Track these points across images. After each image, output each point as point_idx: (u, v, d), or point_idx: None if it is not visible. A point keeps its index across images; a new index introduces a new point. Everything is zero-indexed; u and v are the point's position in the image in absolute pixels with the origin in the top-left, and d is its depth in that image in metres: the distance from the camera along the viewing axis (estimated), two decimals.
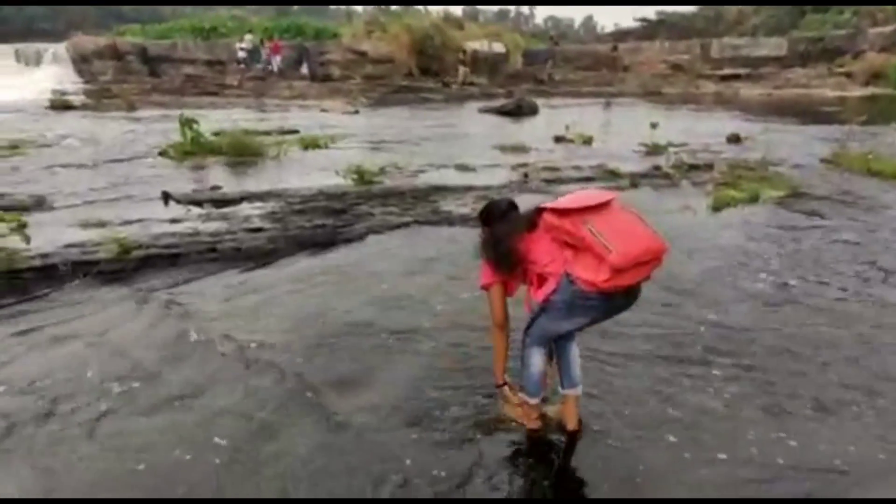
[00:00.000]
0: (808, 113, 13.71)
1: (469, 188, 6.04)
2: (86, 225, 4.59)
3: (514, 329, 2.20)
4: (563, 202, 1.99)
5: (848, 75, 19.25)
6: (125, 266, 3.86)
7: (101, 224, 4.60)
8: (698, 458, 2.11)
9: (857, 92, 17.60)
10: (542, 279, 2.04)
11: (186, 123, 7.87)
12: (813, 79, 19.72)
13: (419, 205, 5.49)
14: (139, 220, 4.72)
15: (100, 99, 14.94)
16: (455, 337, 2.92)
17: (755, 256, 4.18)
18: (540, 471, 2.08)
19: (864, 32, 20.96)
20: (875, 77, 18.59)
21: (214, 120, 10.42)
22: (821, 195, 5.86)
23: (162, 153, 7.70)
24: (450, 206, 5.44)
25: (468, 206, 5.31)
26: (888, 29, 20.70)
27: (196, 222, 4.79)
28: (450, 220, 4.98)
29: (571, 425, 2.22)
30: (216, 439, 2.18)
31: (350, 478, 2.00)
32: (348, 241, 4.58)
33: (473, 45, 23.65)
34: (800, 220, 5.10)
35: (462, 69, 21.28)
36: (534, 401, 2.21)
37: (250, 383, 2.55)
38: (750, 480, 2.01)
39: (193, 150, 7.72)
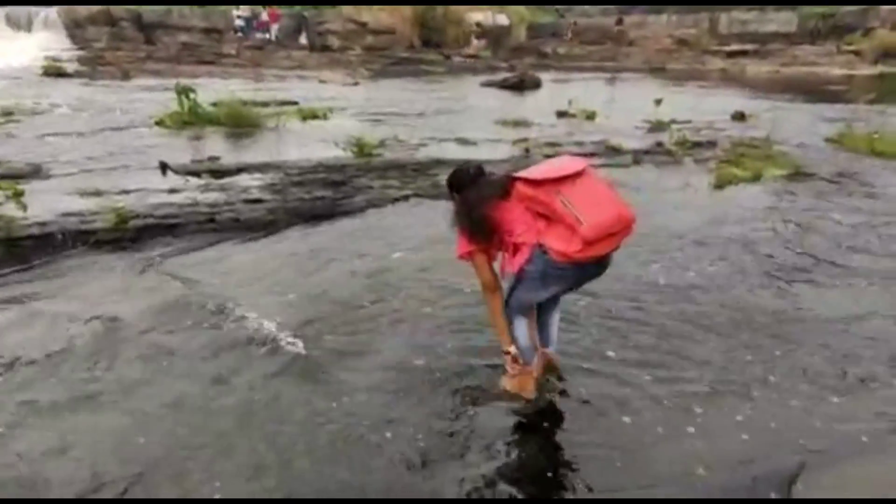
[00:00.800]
0: (814, 91, 13.51)
1: (470, 162, 5.96)
2: (83, 194, 4.55)
3: None
4: (536, 172, 2.01)
5: (857, 53, 18.89)
6: (123, 236, 3.85)
7: (98, 193, 4.56)
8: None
9: (865, 70, 17.30)
10: (516, 248, 2.06)
11: (183, 92, 7.74)
12: (821, 56, 19.36)
13: (419, 178, 5.45)
14: (137, 190, 4.68)
15: (94, 66, 14.65)
16: (455, 312, 2.92)
17: (751, 235, 4.17)
18: (534, 441, 2.10)
19: (877, 8, 20.48)
20: (886, 55, 18.23)
21: (212, 89, 10.23)
22: (823, 175, 5.81)
23: (158, 122, 7.59)
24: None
25: None
26: None
27: (194, 193, 4.75)
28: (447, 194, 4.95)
29: (536, 373, 2.30)
30: (214, 409, 2.20)
31: (347, 445, 2.02)
32: (348, 213, 4.56)
33: (477, 16, 23.16)
34: (799, 200, 5.07)
35: (476, 42, 21.01)
36: (530, 367, 2.25)
37: (249, 353, 2.57)
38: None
39: (191, 119, 7.62)
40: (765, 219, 4.52)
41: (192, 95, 7.77)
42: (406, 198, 4.91)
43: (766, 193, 5.26)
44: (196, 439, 2.04)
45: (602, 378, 2.43)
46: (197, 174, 5.31)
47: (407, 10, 21.74)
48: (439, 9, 22.10)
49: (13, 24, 19.99)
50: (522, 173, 2.02)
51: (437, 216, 4.40)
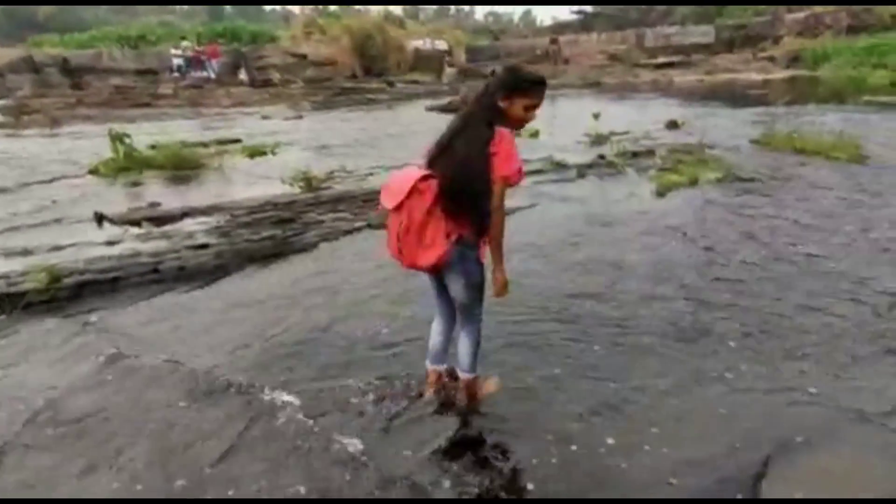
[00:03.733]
0: (737, 96, 14.45)
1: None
2: (9, 254, 4.26)
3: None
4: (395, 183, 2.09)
5: (771, 59, 20.43)
6: (57, 295, 3.60)
7: (27, 252, 4.27)
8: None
9: (779, 74, 18.69)
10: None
11: (117, 138, 7.44)
12: (739, 63, 20.81)
13: (371, 208, 5.41)
14: (71, 245, 4.41)
15: (18, 116, 13.94)
16: (413, 346, 2.88)
17: (694, 235, 4.36)
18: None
19: (782, 19, 22.32)
20: (794, 60, 19.82)
21: (149, 133, 9.91)
22: (753, 175, 6.17)
23: (92, 171, 7.25)
24: None
25: None
26: (801, 15, 22.13)
27: (135, 243, 4.52)
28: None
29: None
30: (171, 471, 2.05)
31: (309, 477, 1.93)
32: (300, 251, 4.45)
33: (416, 42, 23.62)
34: (734, 199, 5.36)
35: (448, 69, 21.53)
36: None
37: (201, 406, 2.42)
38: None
39: (127, 165, 7.32)
40: (705, 219, 4.75)
41: (126, 140, 7.48)
42: (359, 229, 4.86)
43: (703, 195, 5.53)
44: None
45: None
46: (137, 223, 5.07)
47: (346, 40, 21.92)
48: (378, 37, 22.41)
49: None
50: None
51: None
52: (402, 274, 3.68)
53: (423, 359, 2.49)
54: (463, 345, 2.29)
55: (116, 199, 5.99)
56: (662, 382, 2.52)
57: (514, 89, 2.04)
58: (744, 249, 4.06)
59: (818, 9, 22.01)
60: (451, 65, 21.88)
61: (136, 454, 2.14)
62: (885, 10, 20.11)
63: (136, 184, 6.82)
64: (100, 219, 5.13)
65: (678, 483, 1.95)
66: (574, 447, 2.13)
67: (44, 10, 44.56)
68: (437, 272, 2.14)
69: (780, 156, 7.08)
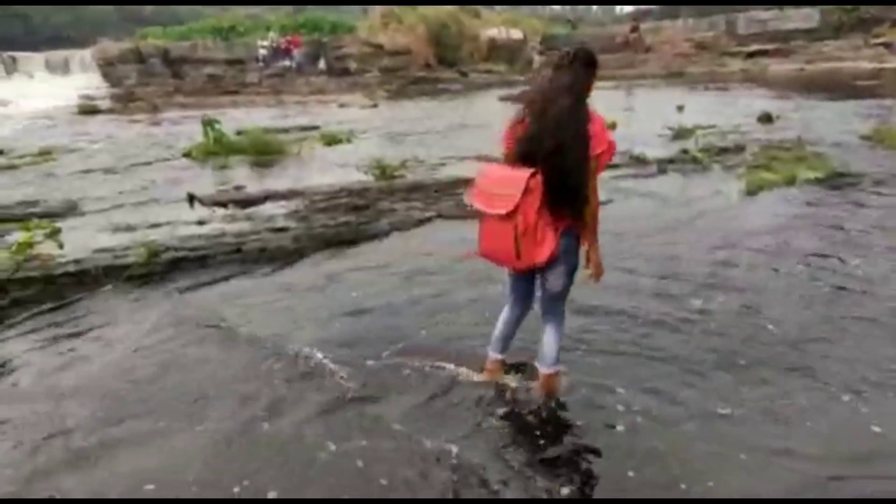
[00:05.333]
0: (843, 87, 13.12)
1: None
2: (115, 229, 4.67)
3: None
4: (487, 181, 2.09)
5: (887, 45, 18.32)
6: (154, 269, 3.91)
7: (130, 228, 4.67)
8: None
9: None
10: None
11: (209, 124, 7.96)
12: (848, 51, 18.84)
13: (443, 198, 5.43)
14: (166, 223, 4.78)
15: (125, 103, 15.29)
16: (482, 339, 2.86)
17: (791, 243, 4.00)
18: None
19: None
20: None
21: (236, 119, 10.52)
22: (862, 175, 5.58)
23: (186, 154, 7.81)
24: None
25: None
26: None
27: (222, 223, 4.83)
28: (474, 214, 4.91)
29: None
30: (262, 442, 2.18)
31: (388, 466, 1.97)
32: (373, 237, 4.56)
33: (491, 32, 23.37)
34: (840, 204, 4.86)
35: (537, 58, 21.58)
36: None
37: (292, 386, 2.55)
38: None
39: (216, 150, 7.81)
40: (803, 227, 4.35)
41: (217, 126, 7.98)
42: (430, 219, 4.90)
43: (803, 197, 5.06)
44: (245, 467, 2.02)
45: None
46: (223, 204, 5.40)
47: (421, 30, 22.09)
48: (454, 26, 22.40)
49: (51, 68, 21.10)
50: (482, 172, 2.12)
51: (462, 236, 4.39)
52: (474, 264, 3.67)
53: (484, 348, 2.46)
54: (549, 337, 2.26)
55: (206, 182, 6.42)
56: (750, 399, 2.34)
57: (593, 65, 2.09)
58: (840, 266, 3.68)
59: None
60: (541, 53, 21.57)
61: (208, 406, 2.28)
62: None
63: (223, 167, 7.27)
64: (191, 200, 5.52)
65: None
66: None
67: (150, 6, 48.51)
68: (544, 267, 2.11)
69: (895, 154, 6.36)
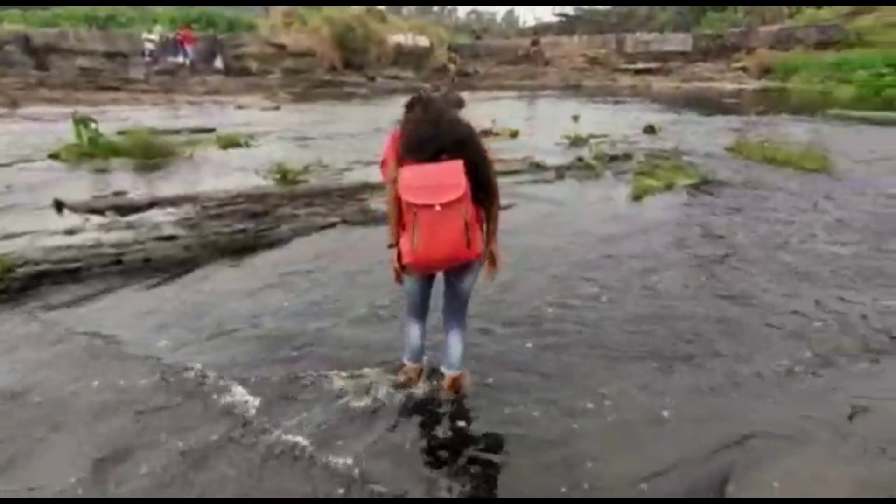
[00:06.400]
0: (712, 104, 14.76)
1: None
2: None
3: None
4: (415, 179, 1.99)
5: (744, 70, 20.94)
6: (9, 286, 3.41)
7: None
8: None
9: (752, 85, 19.17)
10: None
11: (81, 122, 7.14)
12: (714, 72, 21.28)
13: (346, 204, 5.31)
14: (26, 233, 4.20)
15: None
16: (380, 344, 2.81)
17: (670, 238, 4.40)
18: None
19: (755, 31, 22.91)
20: (766, 71, 20.38)
21: (119, 118, 9.57)
22: (725, 181, 6.29)
23: (53, 156, 6.94)
24: (378, 204, 5.29)
25: None
26: (774, 28, 22.75)
27: (97, 233, 4.33)
28: (378, 220, 4.85)
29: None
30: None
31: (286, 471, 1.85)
32: (272, 245, 4.33)
33: (397, 38, 23.41)
34: (709, 204, 5.45)
35: (452, 66, 21.75)
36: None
37: (176, 404, 2.32)
38: None
39: (92, 152, 7.03)
40: (680, 223, 4.82)
41: (92, 125, 7.18)
42: (333, 225, 4.76)
43: (679, 200, 5.61)
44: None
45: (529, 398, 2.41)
46: (100, 212, 4.86)
47: (326, 32, 21.57)
48: (360, 29, 22.12)
49: None
50: (407, 171, 1.99)
51: (367, 243, 4.31)
52: (377, 271, 3.62)
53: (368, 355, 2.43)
54: (456, 340, 2.31)
55: (79, 187, 5.74)
56: (631, 386, 2.51)
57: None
58: (721, 256, 4.12)
59: (790, 23, 22.67)
60: (454, 62, 22.23)
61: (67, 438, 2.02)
62: (853, 29, 20.84)
63: (100, 171, 6.56)
64: (59, 206, 4.90)
65: (647, 488, 1.94)
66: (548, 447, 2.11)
67: None
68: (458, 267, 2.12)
69: (751, 164, 7.24)
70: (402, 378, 2.46)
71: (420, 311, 2.35)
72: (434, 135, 2.03)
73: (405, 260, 2.04)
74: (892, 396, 2.45)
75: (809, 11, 24.48)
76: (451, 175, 1.95)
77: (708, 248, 4.30)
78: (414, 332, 2.37)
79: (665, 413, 2.33)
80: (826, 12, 23.41)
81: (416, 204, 1.93)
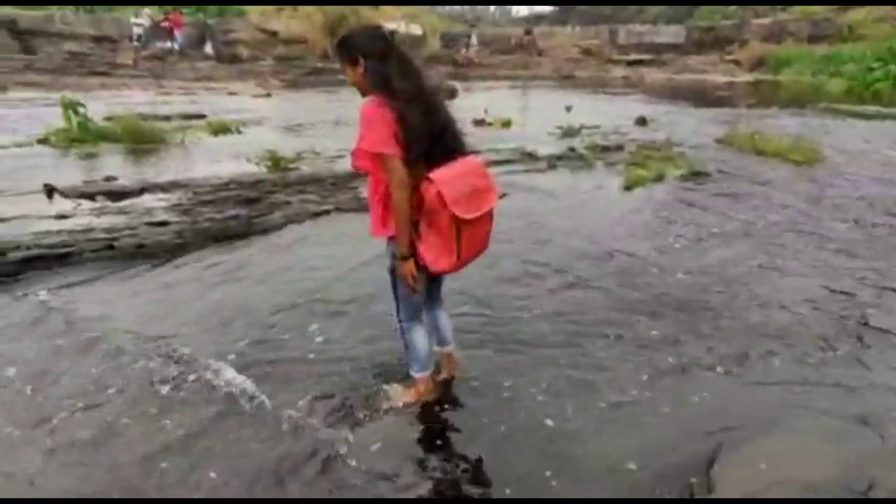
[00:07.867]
0: (703, 96, 14.84)
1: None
2: None
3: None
4: (456, 191, 1.79)
5: (737, 62, 21.04)
6: (0, 271, 3.39)
7: None
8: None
9: (744, 77, 19.28)
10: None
11: (70, 106, 7.05)
12: (707, 65, 21.37)
13: (339, 191, 5.31)
14: (16, 218, 4.17)
15: None
16: (369, 334, 2.85)
17: (661, 227, 4.46)
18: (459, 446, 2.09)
19: (748, 23, 22.99)
20: (758, 64, 20.48)
21: (108, 103, 9.44)
22: (715, 172, 6.36)
23: (42, 141, 6.86)
24: None
25: None
26: (767, 21, 22.83)
27: (88, 217, 4.31)
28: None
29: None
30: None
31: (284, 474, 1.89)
32: (264, 231, 4.34)
33: (390, 25, 23.16)
34: (699, 194, 5.51)
35: (464, 52, 22.09)
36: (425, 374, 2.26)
37: (175, 391, 2.34)
38: None
39: (82, 137, 6.95)
40: (670, 213, 4.88)
41: (80, 110, 7.09)
42: (326, 212, 4.76)
43: (669, 190, 5.67)
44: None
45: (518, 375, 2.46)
46: (91, 196, 4.83)
47: (319, 19, 21.33)
48: (352, 17, 21.90)
49: None
50: (443, 179, 1.76)
51: (360, 231, 4.32)
52: (373, 260, 3.64)
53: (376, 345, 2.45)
54: (446, 318, 2.32)
55: (69, 172, 5.68)
56: (620, 370, 2.57)
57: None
58: (699, 244, 4.18)
59: (783, 16, 22.77)
60: (466, 47, 22.63)
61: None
62: (845, 22, 20.95)
63: (91, 156, 6.49)
64: (49, 191, 4.86)
65: (636, 468, 2.00)
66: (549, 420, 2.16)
67: None
68: None
69: (742, 155, 7.31)
70: (426, 394, 2.25)
71: (422, 309, 2.24)
72: (444, 122, 1.85)
73: (439, 267, 1.85)
74: (872, 380, 2.53)
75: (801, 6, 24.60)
76: (482, 175, 1.87)
77: (695, 235, 4.36)
78: (422, 336, 2.17)
79: (648, 394, 2.39)
80: (818, 6, 23.54)
81: (466, 219, 1.75)
